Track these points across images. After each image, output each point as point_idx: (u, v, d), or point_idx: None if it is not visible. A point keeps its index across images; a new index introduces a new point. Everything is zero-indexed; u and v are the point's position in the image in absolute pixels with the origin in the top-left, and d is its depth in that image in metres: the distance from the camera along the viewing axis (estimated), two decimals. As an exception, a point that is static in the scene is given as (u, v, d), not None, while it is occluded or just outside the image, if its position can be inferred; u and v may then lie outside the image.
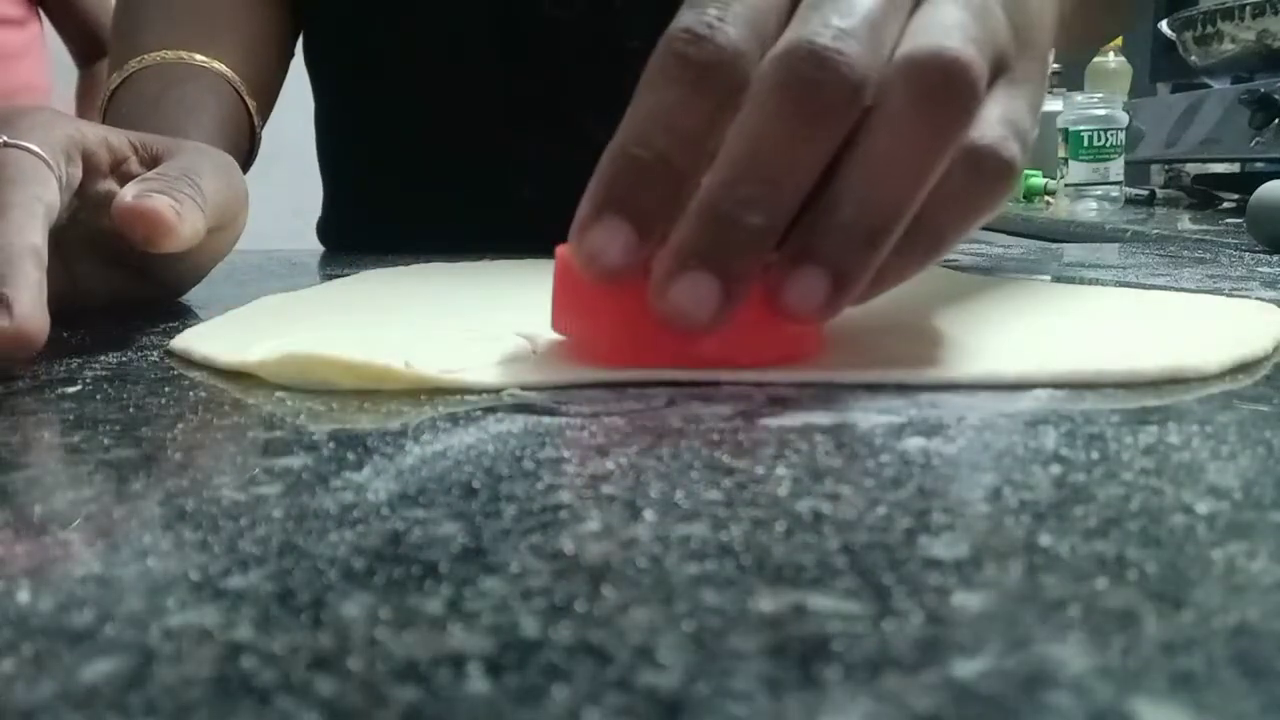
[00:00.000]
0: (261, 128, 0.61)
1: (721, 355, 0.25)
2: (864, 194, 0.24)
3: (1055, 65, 2.08)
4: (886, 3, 0.25)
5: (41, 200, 0.32)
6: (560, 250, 0.26)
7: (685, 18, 0.25)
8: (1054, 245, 0.84)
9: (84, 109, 1.38)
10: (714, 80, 0.24)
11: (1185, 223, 1.02)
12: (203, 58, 0.57)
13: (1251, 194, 0.63)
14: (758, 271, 0.24)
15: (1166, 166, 1.54)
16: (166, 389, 0.27)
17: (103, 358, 0.31)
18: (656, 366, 0.26)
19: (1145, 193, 1.39)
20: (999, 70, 0.26)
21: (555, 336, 0.29)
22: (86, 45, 1.39)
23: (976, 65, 0.24)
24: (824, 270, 0.24)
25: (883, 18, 0.24)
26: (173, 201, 0.35)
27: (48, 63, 1.40)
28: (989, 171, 0.25)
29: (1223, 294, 0.40)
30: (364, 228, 0.71)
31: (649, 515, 0.17)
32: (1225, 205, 1.25)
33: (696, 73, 0.24)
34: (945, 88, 0.24)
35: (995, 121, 0.25)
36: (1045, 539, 0.15)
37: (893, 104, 0.24)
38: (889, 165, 0.24)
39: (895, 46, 0.24)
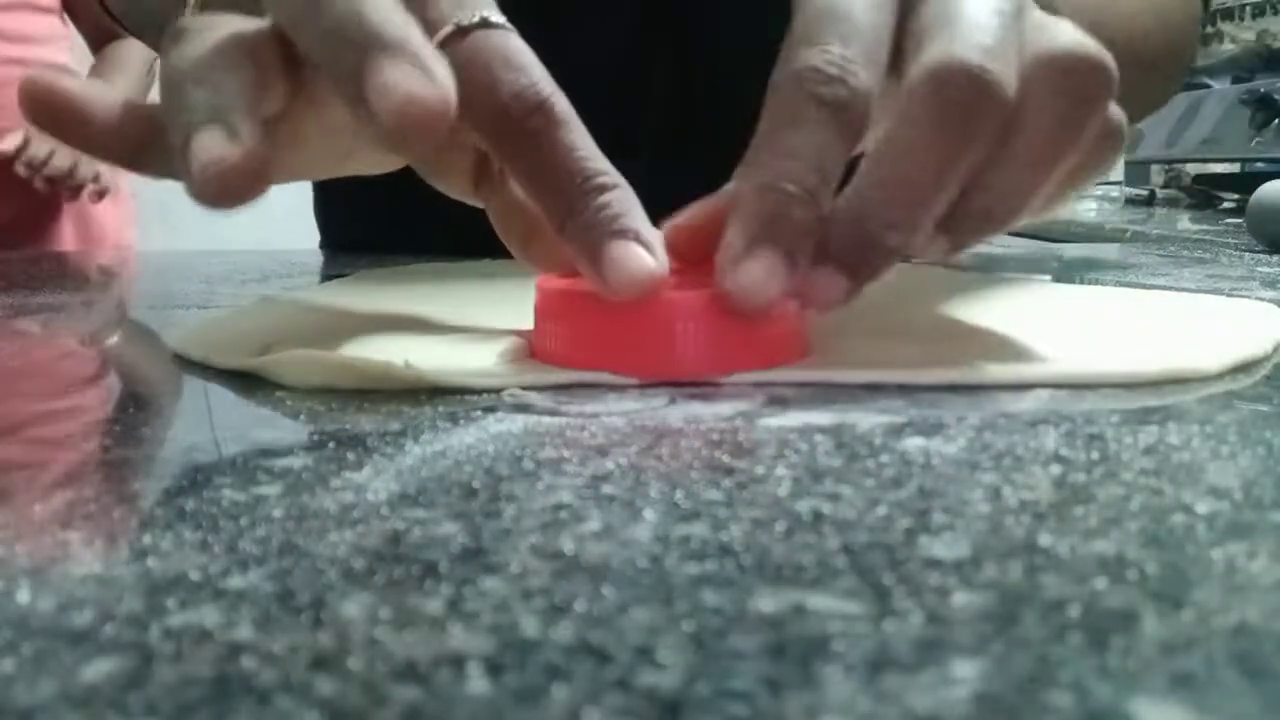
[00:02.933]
0: None
1: (711, 365, 0.26)
2: (1008, 191, 0.25)
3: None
4: (1009, 14, 0.25)
5: None
6: (542, 283, 0.27)
7: (812, 57, 0.25)
8: (1054, 245, 0.84)
9: (101, 74, 1.38)
10: (852, 121, 0.25)
11: (1185, 223, 1.02)
12: None
13: (1251, 194, 0.63)
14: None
15: (1166, 166, 1.54)
16: (166, 389, 0.27)
17: (103, 358, 0.31)
18: (644, 377, 0.26)
19: (1145, 193, 1.39)
20: None
21: None
22: (99, 30, 1.39)
23: (1109, 61, 0.25)
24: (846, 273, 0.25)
25: (1012, 26, 0.25)
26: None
27: (67, 48, 1.41)
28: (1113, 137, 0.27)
29: (1223, 294, 0.40)
30: (363, 225, 0.71)
31: (649, 515, 0.17)
32: (1225, 205, 1.25)
33: (834, 114, 0.25)
34: (1088, 86, 0.25)
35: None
36: (1045, 539, 0.15)
37: (1037, 107, 0.25)
38: (1036, 163, 0.25)
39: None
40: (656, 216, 0.27)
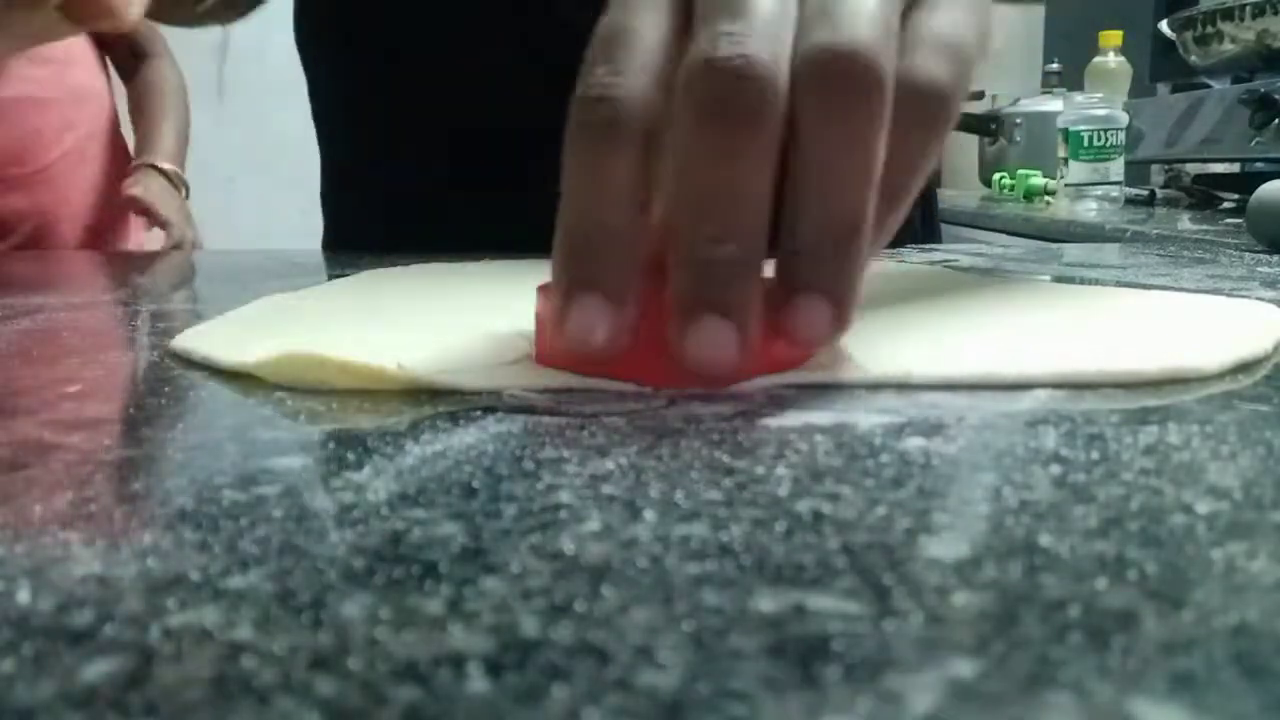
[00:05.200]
0: None
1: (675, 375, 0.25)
2: (818, 210, 0.24)
3: (1055, 66, 2.09)
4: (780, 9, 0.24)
5: None
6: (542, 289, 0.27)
7: (579, 86, 0.25)
8: (1054, 245, 0.84)
9: (136, 121, 1.38)
10: (623, 136, 0.24)
11: (1185, 223, 1.02)
12: None
13: (1251, 194, 0.63)
14: (759, 292, 0.24)
15: (1166, 166, 1.55)
16: (166, 389, 0.27)
17: (102, 358, 0.31)
18: (647, 383, 0.25)
19: (1145, 193, 1.39)
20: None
21: None
22: (126, 56, 1.39)
23: (874, 52, 0.24)
24: (819, 296, 0.24)
25: (773, 8, 0.24)
26: None
27: (100, 68, 1.41)
28: (929, 108, 0.25)
29: (1223, 294, 0.40)
30: (367, 225, 0.71)
31: (649, 515, 0.17)
32: (1225, 205, 1.25)
33: (603, 135, 0.24)
34: (852, 91, 0.23)
35: (920, 47, 0.25)
36: (1045, 539, 0.15)
37: (809, 114, 0.24)
38: (830, 174, 0.24)
39: (796, 32, 0.24)
40: None
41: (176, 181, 1.33)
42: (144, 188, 1.29)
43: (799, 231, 0.24)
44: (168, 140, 1.34)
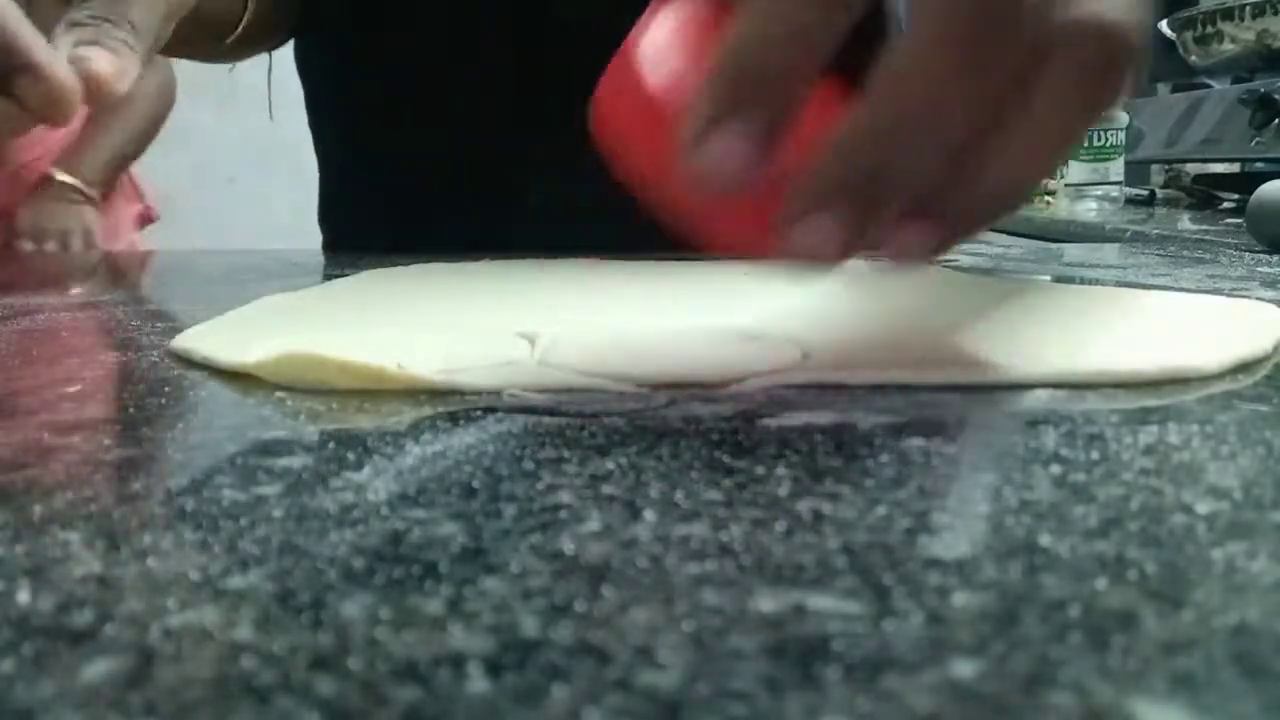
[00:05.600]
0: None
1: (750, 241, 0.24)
2: (1014, 166, 0.23)
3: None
4: None
5: None
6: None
7: None
8: (1054, 245, 0.84)
9: (100, 115, 1.37)
10: None
11: (1185, 223, 1.02)
12: None
13: (1251, 194, 0.63)
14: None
15: (1166, 166, 1.54)
16: (166, 389, 0.27)
17: (102, 358, 0.31)
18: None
19: (1145, 193, 1.39)
20: None
21: (555, 336, 0.29)
22: None
23: (1134, 35, 0.23)
24: (944, 227, 0.24)
25: None
26: (109, 54, 0.33)
27: None
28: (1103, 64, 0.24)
29: (1223, 294, 0.40)
30: (366, 223, 0.71)
31: (649, 515, 0.17)
32: (1225, 205, 1.25)
33: None
34: (1107, 65, 0.23)
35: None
36: (1045, 539, 0.15)
37: (1054, 76, 0.23)
38: (1045, 136, 0.23)
39: None
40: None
41: (78, 192, 1.32)
42: (34, 210, 1.29)
43: (983, 181, 0.23)
44: (90, 155, 1.33)
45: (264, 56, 0.68)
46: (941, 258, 0.25)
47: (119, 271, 0.68)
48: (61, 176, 1.31)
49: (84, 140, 1.34)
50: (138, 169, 1.51)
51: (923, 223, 0.23)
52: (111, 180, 1.38)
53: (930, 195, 0.23)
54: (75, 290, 0.55)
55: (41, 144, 1.30)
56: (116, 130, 1.36)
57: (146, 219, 1.54)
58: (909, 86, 0.22)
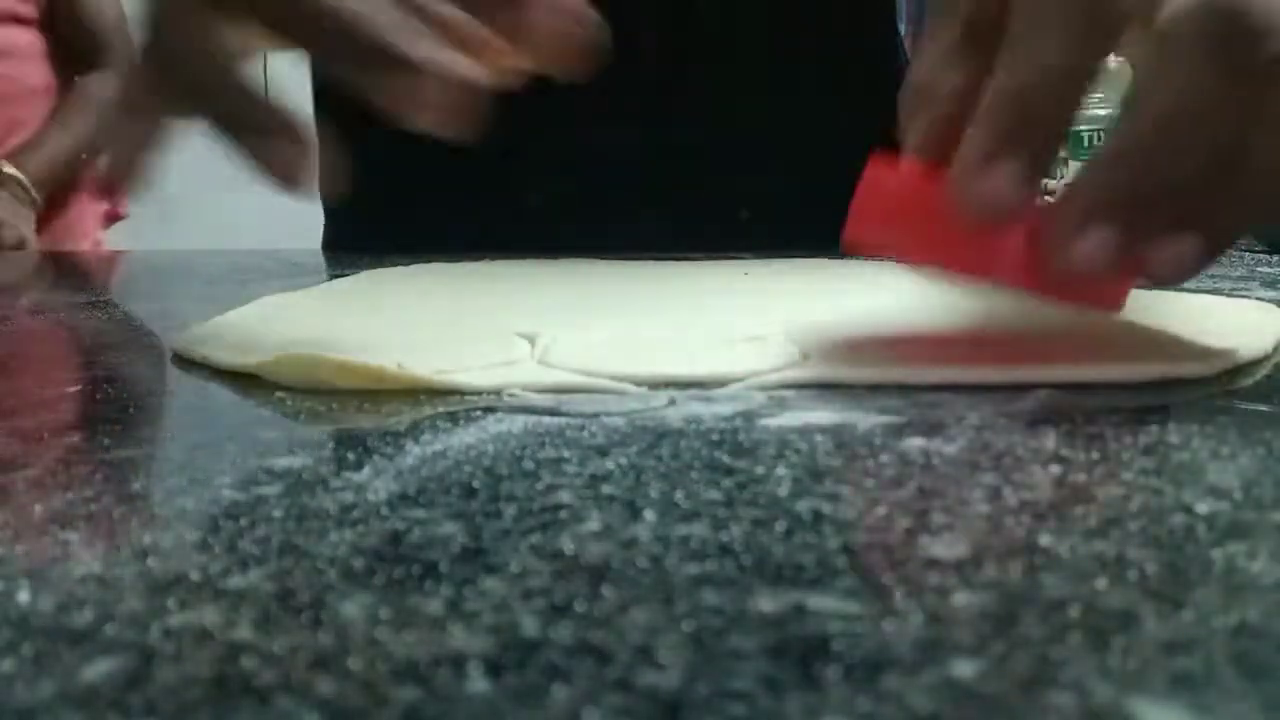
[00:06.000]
0: None
1: (1029, 278, 0.26)
2: (1272, 162, 0.24)
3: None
4: None
5: None
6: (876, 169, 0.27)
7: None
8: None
9: (65, 114, 1.34)
10: (1105, 20, 0.24)
11: (1185, 223, 1.02)
12: None
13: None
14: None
15: (1167, 166, 1.54)
16: (167, 389, 0.27)
17: (102, 358, 0.31)
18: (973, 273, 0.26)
19: (1145, 193, 1.39)
20: None
21: (555, 336, 0.29)
22: (73, 50, 1.36)
23: None
24: (1209, 238, 0.24)
25: None
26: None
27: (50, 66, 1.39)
28: None
29: (1223, 294, 0.40)
30: (366, 223, 0.71)
31: (649, 515, 0.17)
32: (1225, 205, 1.25)
33: (1085, 12, 0.24)
34: None
35: None
36: (1045, 539, 0.15)
37: None
38: None
39: None
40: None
41: (24, 190, 1.29)
42: None
43: (1247, 182, 0.24)
44: (39, 151, 1.31)
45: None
46: (1206, 271, 0.25)
47: (119, 272, 0.68)
48: (8, 170, 1.28)
49: (38, 137, 1.32)
50: None
51: (1190, 235, 0.24)
52: (65, 181, 1.34)
53: (1196, 205, 0.24)
54: (75, 290, 0.55)
55: (8, 109, 1.27)
56: (74, 130, 1.33)
57: (114, 217, 1.51)
58: (1165, 97, 0.24)
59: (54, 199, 1.32)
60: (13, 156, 1.29)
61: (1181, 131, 0.24)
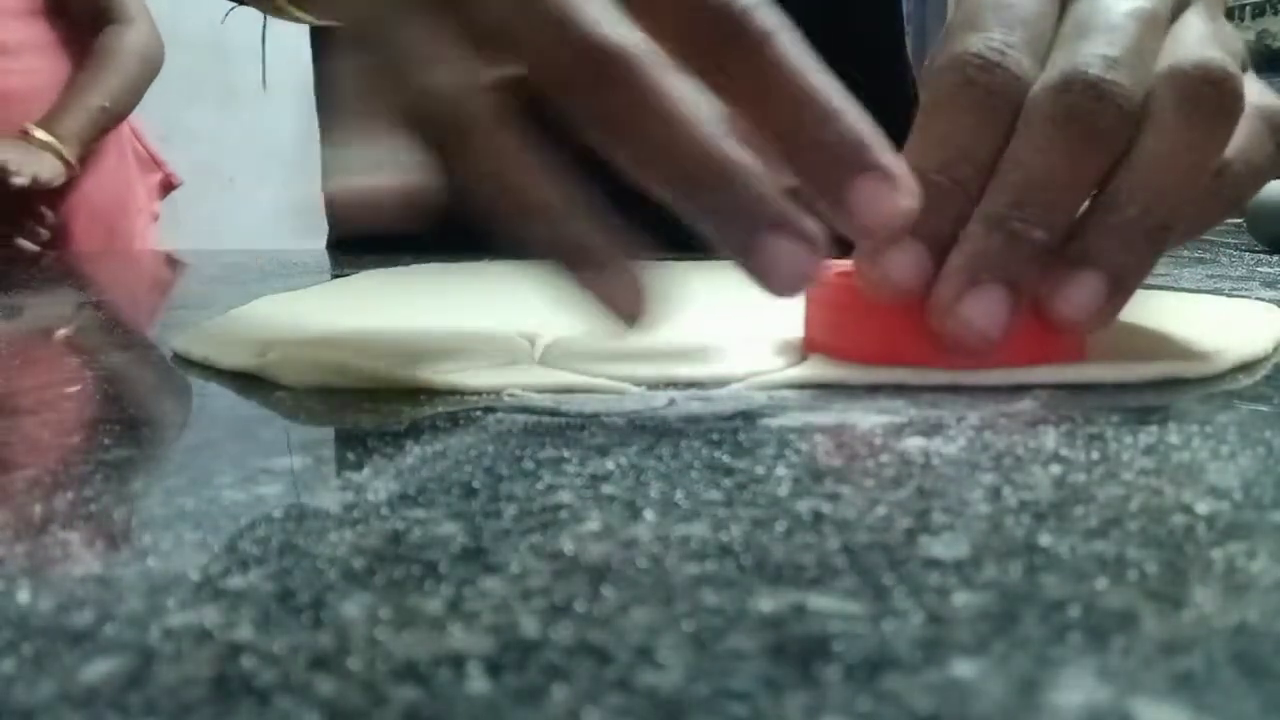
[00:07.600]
0: None
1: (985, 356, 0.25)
2: (1144, 195, 0.25)
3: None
4: (1148, 26, 0.26)
5: None
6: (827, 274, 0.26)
7: (973, 42, 0.25)
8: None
9: (90, 73, 1.33)
10: (1005, 108, 0.25)
11: (1185, 223, 1.02)
12: None
13: (1251, 194, 0.63)
14: (1034, 283, 0.25)
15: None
16: (166, 389, 0.27)
17: (103, 358, 0.31)
18: (921, 366, 0.25)
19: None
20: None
21: (555, 337, 0.29)
22: (85, 20, 1.36)
23: (1236, 73, 0.25)
24: (1102, 274, 0.25)
25: (1147, 41, 0.26)
26: None
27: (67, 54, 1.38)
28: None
29: (1223, 294, 0.40)
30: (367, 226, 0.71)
31: (649, 515, 0.17)
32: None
33: (990, 99, 0.25)
34: (1214, 98, 0.25)
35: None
36: (1045, 539, 0.15)
37: (1164, 115, 0.25)
38: (1168, 168, 0.25)
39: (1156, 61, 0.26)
40: None
41: (54, 151, 1.28)
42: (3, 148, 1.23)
43: (1117, 211, 0.25)
44: (67, 117, 1.30)
45: (255, 58, 0.67)
46: (1111, 315, 0.25)
47: (119, 271, 0.68)
48: (40, 135, 1.28)
49: (61, 101, 1.31)
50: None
51: (1087, 273, 0.25)
52: (91, 142, 1.34)
53: (1083, 243, 0.25)
54: (75, 290, 0.55)
55: (21, 106, 1.27)
56: (94, 91, 1.32)
57: (169, 186, 1.51)
58: (1029, 177, 0.24)
59: (86, 159, 1.31)
60: (44, 122, 1.28)
61: (1043, 198, 0.24)
